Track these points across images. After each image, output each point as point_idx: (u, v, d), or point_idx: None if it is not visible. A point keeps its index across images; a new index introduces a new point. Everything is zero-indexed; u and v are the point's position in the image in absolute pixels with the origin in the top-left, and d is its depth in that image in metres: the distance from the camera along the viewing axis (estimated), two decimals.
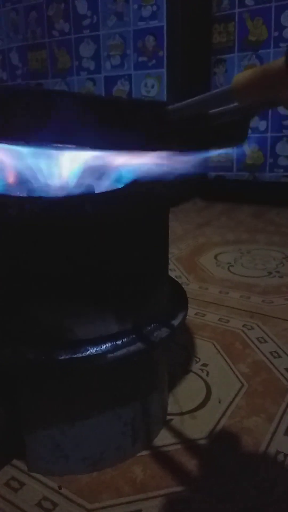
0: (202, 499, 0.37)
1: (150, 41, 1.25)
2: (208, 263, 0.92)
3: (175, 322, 0.41)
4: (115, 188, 0.37)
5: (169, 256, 0.45)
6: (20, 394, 0.38)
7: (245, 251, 0.98)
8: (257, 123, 1.29)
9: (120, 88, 1.32)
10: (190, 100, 0.25)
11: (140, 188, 0.35)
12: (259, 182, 1.34)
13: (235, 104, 0.24)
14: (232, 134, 0.32)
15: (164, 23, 1.21)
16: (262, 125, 1.28)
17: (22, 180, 0.36)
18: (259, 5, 1.19)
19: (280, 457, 0.41)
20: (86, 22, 1.33)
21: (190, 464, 0.41)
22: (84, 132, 0.25)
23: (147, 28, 1.24)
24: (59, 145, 0.27)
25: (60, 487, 0.39)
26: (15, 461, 0.42)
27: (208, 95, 0.24)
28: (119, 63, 1.31)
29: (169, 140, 0.28)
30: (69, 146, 0.27)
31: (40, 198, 0.34)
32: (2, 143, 0.28)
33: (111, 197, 0.34)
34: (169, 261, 0.71)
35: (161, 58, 1.24)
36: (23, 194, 0.36)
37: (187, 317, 0.43)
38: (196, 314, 0.69)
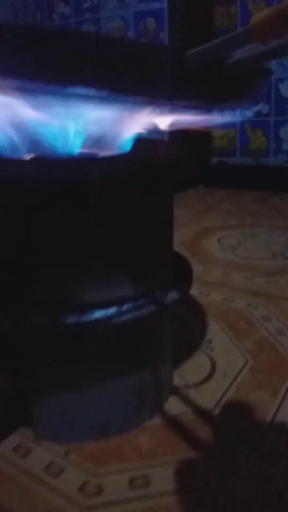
0: (208, 466, 0.37)
1: (151, 23, 1.24)
2: (212, 246, 0.92)
3: (180, 291, 0.41)
4: (120, 151, 0.37)
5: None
6: (26, 361, 0.38)
7: (248, 235, 0.98)
8: (260, 106, 1.28)
9: None
10: (208, 44, 0.25)
11: (151, 153, 0.35)
12: (262, 167, 1.33)
13: (253, 46, 0.24)
14: (246, 91, 0.32)
15: (165, 5, 1.20)
16: (265, 108, 1.28)
17: (26, 140, 0.36)
18: None
19: (286, 429, 0.42)
20: (87, 4, 1.32)
21: (196, 433, 0.41)
22: (100, 77, 0.25)
23: (148, 10, 1.23)
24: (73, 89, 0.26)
25: (67, 453, 0.39)
26: (22, 429, 0.42)
27: (227, 37, 0.24)
28: None
29: (186, 89, 0.27)
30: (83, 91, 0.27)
31: (52, 159, 0.33)
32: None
33: (124, 160, 0.34)
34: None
35: (162, 40, 1.23)
36: (28, 155, 0.36)
37: (190, 296, 0.43)
38: (200, 293, 0.69)
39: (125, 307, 0.37)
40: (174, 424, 0.42)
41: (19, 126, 0.36)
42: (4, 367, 0.39)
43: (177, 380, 0.48)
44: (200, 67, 0.26)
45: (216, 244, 0.93)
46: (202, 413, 0.44)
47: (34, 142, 0.37)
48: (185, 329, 0.59)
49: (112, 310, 0.36)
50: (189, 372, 0.50)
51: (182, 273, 0.44)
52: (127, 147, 0.39)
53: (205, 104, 0.30)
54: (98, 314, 0.36)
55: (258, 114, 1.29)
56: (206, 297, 0.68)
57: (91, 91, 0.29)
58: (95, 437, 0.40)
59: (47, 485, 0.36)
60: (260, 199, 1.30)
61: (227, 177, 1.39)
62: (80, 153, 0.37)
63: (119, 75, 0.27)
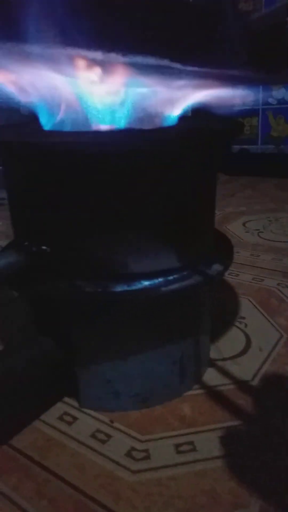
0: (252, 433, 0.38)
1: None
2: (237, 230, 0.92)
3: (224, 263, 0.41)
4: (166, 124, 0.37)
5: None
6: (74, 329, 0.39)
7: (273, 219, 0.98)
8: (283, 93, 1.27)
9: None
10: (271, 7, 0.25)
11: (200, 125, 0.35)
12: (284, 155, 1.32)
13: None
14: None
15: None
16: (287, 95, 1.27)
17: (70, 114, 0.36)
18: None
19: None
20: None
21: (237, 403, 0.42)
22: (161, 42, 0.25)
23: None
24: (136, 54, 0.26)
25: (112, 421, 0.40)
26: (66, 399, 0.43)
27: None
28: None
29: (250, 54, 0.27)
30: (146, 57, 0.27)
31: (102, 131, 0.34)
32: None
33: (175, 132, 0.35)
34: None
35: None
36: (73, 128, 0.36)
37: (220, 278, 0.44)
38: (229, 274, 0.69)
39: (171, 277, 0.37)
40: (214, 394, 0.43)
41: (70, 103, 0.37)
42: (52, 335, 0.40)
43: (213, 354, 0.49)
44: (265, 33, 0.26)
45: (241, 228, 0.93)
46: (240, 384, 0.44)
47: (81, 119, 0.38)
48: (218, 306, 0.59)
49: (159, 280, 0.37)
50: (225, 346, 0.51)
51: (224, 247, 0.44)
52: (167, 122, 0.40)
53: (268, 73, 0.30)
54: (146, 283, 0.36)
55: (281, 101, 1.28)
56: (236, 277, 0.68)
57: (151, 60, 0.29)
58: (138, 406, 0.41)
59: (95, 450, 0.37)
60: (281, 185, 1.29)
61: (249, 165, 1.38)
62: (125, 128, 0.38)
63: (180, 43, 0.27)
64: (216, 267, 0.40)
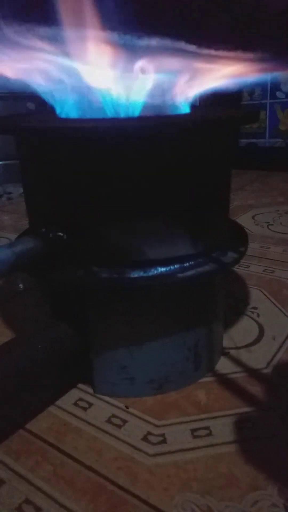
0: (267, 419, 0.38)
1: None
2: (247, 222, 0.92)
3: (238, 251, 0.41)
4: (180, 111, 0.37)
5: None
6: (90, 315, 0.39)
7: (282, 212, 0.98)
8: None
9: None
10: None
11: (217, 112, 0.36)
12: None
13: None
14: None
15: None
16: None
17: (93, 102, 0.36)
18: None
19: None
20: None
21: (252, 390, 0.42)
22: (176, 24, 0.25)
23: None
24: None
25: (127, 407, 0.41)
26: (80, 385, 0.44)
27: None
28: None
29: (266, 37, 0.27)
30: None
31: (121, 119, 0.34)
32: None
33: (193, 119, 0.35)
34: None
35: None
36: (94, 116, 0.37)
37: (235, 265, 0.44)
38: (240, 265, 0.69)
39: (187, 263, 0.37)
40: (228, 381, 0.43)
41: (85, 91, 0.37)
42: (68, 322, 0.40)
43: (227, 342, 0.49)
44: (282, 14, 0.26)
45: (251, 221, 0.93)
46: (254, 372, 0.44)
47: (95, 107, 0.38)
48: (230, 297, 0.59)
49: (175, 266, 0.37)
50: (238, 335, 0.51)
51: (238, 235, 0.44)
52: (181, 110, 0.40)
53: (280, 55, 0.30)
54: (162, 269, 0.36)
55: None
56: (247, 269, 0.68)
57: (167, 43, 0.29)
58: (153, 392, 0.41)
59: (112, 435, 0.38)
60: None
61: (256, 159, 1.38)
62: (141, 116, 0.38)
63: (196, 25, 0.27)
64: (231, 254, 0.40)
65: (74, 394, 0.43)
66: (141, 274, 0.36)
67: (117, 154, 0.34)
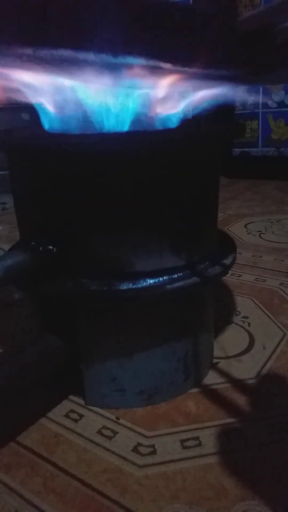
0: (255, 429, 0.39)
1: None
2: (239, 231, 0.93)
3: (227, 262, 0.42)
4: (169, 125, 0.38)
5: None
6: (80, 327, 0.39)
7: (274, 221, 0.99)
8: (283, 96, 1.28)
9: None
10: (260, 8, 0.26)
11: (202, 127, 0.36)
12: (284, 157, 1.33)
13: None
14: None
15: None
16: (287, 99, 1.28)
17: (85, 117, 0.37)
18: None
19: None
20: None
21: (241, 400, 0.42)
22: (147, 43, 0.25)
23: None
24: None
25: (118, 418, 0.41)
26: (71, 396, 0.44)
27: (279, 2, 0.24)
28: None
29: (237, 55, 0.28)
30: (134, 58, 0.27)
31: (106, 135, 0.35)
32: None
33: (177, 134, 0.35)
34: None
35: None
36: (84, 131, 0.37)
37: (223, 276, 0.44)
38: (232, 274, 0.70)
39: (176, 275, 0.38)
40: (219, 392, 0.43)
41: (76, 106, 0.38)
42: (59, 334, 0.40)
43: (217, 352, 0.50)
44: (252, 34, 0.27)
45: (243, 230, 0.93)
46: (244, 382, 0.45)
47: (86, 121, 0.39)
48: (221, 306, 0.60)
49: (164, 278, 0.37)
50: (228, 344, 0.51)
51: (227, 246, 0.45)
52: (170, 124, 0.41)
53: (254, 73, 0.30)
54: (151, 281, 0.37)
55: (281, 104, 1.29)
56: (238, 278, 0.69)
57: (142, 61, 0.30)
58: (144, 403, 0.42)
59: (102, 446, 0.38)
60: (282, 188, 1.30)
61: (250, 167, 1.39)
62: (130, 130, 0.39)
63: (168, 43, 0.28)
64: (219, 265, 0.41)
65: (65, 405, 0.43)
66: (130, 286, 0.36)
67: (103, 169, 0.34)
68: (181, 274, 0.38)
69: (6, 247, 0.88)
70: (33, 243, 0.37)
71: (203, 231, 0.41)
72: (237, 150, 1.40)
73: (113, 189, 0.35)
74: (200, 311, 0.43)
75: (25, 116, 1.32)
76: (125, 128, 0.39)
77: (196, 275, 0.39)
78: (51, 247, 0.37)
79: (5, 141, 0.36)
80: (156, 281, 0.37)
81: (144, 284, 0.37)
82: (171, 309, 0.40)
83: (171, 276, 0.38)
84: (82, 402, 0.43)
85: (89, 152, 0.33)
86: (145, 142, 0.33)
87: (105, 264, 0.37)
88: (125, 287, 0.36)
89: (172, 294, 0.37)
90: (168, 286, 0.37)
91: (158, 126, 0.40)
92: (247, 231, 0.93)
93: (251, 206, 1.13)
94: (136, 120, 0.39)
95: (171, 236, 0.38)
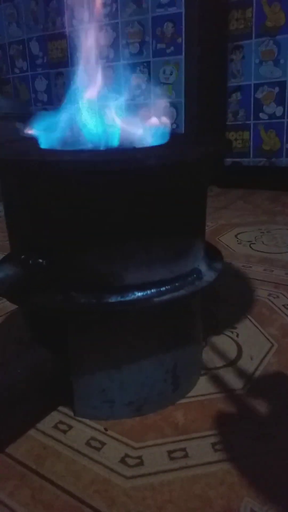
0: (241, 440, 0.39)
1: (168, 27, 1.26)
2: (230, 241, 0.94)
3: (214, 274, 0.43)
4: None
5: None
6: (70, 339, 0.40)
7: (265, 231, 1.00)
8: (274, 108, 1.30)
9: (139, 75, 1.35)
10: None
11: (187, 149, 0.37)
12: (275, 168, 1.35)
13: None
14: None
15: (183, 10, 1.22)
16: (279, 110, 1.29)
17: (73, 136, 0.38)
18: None
19: None
20: (105, 10, 1.35)
21: (228, 411, 0.43)
22: None
23: (165, 15, 1.26)
24: None
25: (106, 429, 0.41)
26: (61, 408, 0.44)
27: None
28: (137, 51, 1.33)
29: None
30: None
31: (95, 153, 0.36)
32: None
33: (164, 156, 0.36)
34: None
35: (180, 45, 1.26)
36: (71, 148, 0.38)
37: (213, 287, 0.45)
38: (221, 285, 0.71)
39: (164, 288, 0.38)
40: (206, 402, 0.44)
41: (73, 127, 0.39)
42: (48, 346, 0.41)
43: (206, 363, 0.50)
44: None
45: (233, 240, 0.94)
46: (232, 392, 0.45)
47: (78, 139, 0.40)
48: (210, 317, 0.60)
49: (152, 291, 0.38)
50: (217, 355, 0.52)
51: (213, 259, 0.46)
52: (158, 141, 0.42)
53: None
54: (139, 294, 0.38)
55: (272, 116, 1.31)
56: (228, 288, 0.70)
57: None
58: (132, 414, 0.42)
59: (90, 458, 0.38)
60: (273, 198, 1.32)
61: (241, 177, 1.41)
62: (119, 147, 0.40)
63: None
64: (207, 278, 0.42)
65: (54, 416, 0.43)
66: (119, 299, 0.37)
67: (92, 187, 0.35)
68: (169, 287, 0.39)
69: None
70: (23, 256, 0.37)
71: (189, 245, 0.41)
72: (229, 160, 1.41)
73: (102, 206, 0.36)
74: (189, 322, 0.44)
75: (20, 125, 1.33)
76: (114, 143, 0.40)
77: (184, 287, 0.39)
78: (41, 260, 0.37)
79: None
80: (144, 294, 0.38)
81: (132, 297, 0.37)
82: (160, 321, 0.40)
83: (159, 289, 0.38)
84: (71, 413, 0.43)
85: (78, 171, 0.33)
86: (133, 165, 0.34)
87: (94, 277, 0.37)
88: (113, 300, 0.37)
89: (160, 307, 0.38)
90: (156, 299, 0.38)
91: (149, 142, 0.41)
92: (237, 241, 0.94)
93: (242, 216, 1.14)
94: (127, 136, 0.40)
95: (158, 250, 0.38)
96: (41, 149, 0.39)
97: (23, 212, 0.39)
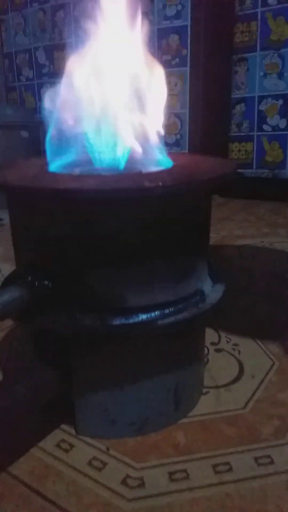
0: (242, 461, 0.39)
1: (174, 40, 1.27)
2: (232, 255, 0.94)
3: (216, 296, 0.43)
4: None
5: None
6: (73, 359, 0.40)
7: (267, 243, 1.00)
8: (278, 120, 1.31)
9: None
10: None
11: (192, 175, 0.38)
12: (278, 179, 1.35)
13: None
14: None
15: (188, 22, 1.23)
16: (282, 123, 1.30)
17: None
18: (281, 4, 1.21)
19: None
20: None
21: (229, 431, 0.43)
22: None
23: (171, 27, 1.27)
24: None
25: (108, 449, 0.41)
26: (63, 426, 0.44)
27: None
28: None
29: None
30: None
31: (100, 179, 0.36)
32: None
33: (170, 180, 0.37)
34: None
35: (185, 57, 1.27)
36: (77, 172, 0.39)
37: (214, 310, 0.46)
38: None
39: (167, 310, 0.39)
40: (208, 422, 0.44)
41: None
42: (51, 365, 0.41)
43: (207, 381, 0.50)
44: None
45: (236, 253, 0.95)
46: (233, 412, 0.46)
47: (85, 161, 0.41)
48: (212, 333, 0.61)
49: (156, 313, 0.38)
50: (218, 373, 0.52)
51: (217, 279, 0.46)
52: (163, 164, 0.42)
53: None
54: (143, 316, 0.38)
55: (276, 128, 1.32)
56: (230, 304, 0.70)
57: None
58: (134, 434, 0.42)
59: (92, 478, 0.38)
60: (275, 209, 1.32)
61: (243, 188, 1.41)
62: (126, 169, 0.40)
63: None
64: (210, 299, 0.42)
65: (56, 435, 0.44)
66: (123, 321, 0.37)
67: (97, 213, 0.35)
68: (172, 309, 0.39)
69: (2, 265, 0.89)
70: (29, 278, 0.38)
71: (193, 266, 0.42)
72: None
73: (106, 230, 0.36)
74: (191, 343, 0.44)
75: (24, 133, 1.34)
76: (121, 166, 0.41)
77: (187, 310, 0.40)
78: (46, 282, 0.38)
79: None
80: (148, 316, 0.38)
81: (136, 319, 0.38)
82: (163, 342, 0.41)
83: (162, 311, 0.39)
84: (73, 431, 0.44)
85: (83, 197, 0.34)
86: (140, 193, 0.34)
87: (99, 299, 0.38)
88: (117, 322, 0.37)
89: (164, 329, 0.38)
90: (160, 322, 0.38)
91: (148, 164, 0.41)
92: (240, 254, 0.94)
93: (244, 227, 1.14)
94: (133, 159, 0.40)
95: (162, 273, 0.39)
96: (48, 173, 0.40)
97: (30, 234, 0.39)
